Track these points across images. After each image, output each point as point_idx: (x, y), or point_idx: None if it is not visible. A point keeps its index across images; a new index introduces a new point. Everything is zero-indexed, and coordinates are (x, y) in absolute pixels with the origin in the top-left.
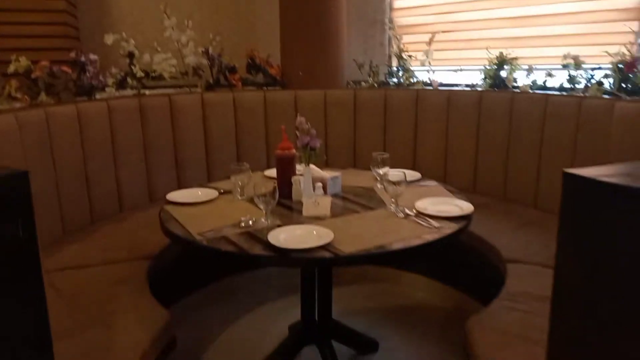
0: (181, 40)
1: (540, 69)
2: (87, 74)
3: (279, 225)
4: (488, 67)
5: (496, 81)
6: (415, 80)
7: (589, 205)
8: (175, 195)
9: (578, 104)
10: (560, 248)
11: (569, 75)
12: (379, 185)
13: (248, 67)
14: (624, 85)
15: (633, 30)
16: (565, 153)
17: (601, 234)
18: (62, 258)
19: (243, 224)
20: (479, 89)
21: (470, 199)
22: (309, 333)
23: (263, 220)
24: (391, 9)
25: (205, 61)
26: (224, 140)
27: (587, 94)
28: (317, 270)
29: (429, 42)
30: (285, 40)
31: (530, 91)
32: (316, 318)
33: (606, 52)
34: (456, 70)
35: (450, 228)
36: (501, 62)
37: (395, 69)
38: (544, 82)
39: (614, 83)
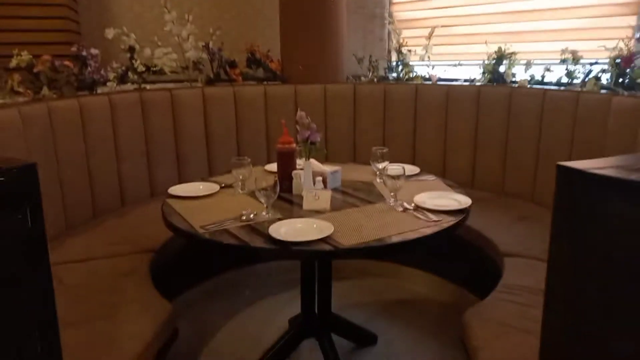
0: (182, 35)
1: (539, 64)
2: (89, 69)
3: (279, 219)
4: (487, 62)
5: (495, 76)
6: (414, 74)
7: (582, 197)
8: (177, 189)
9: (575, 99)
10: (553, 238)
11: (567, 70)
12: (378, 180)
13: (248, 62)
14: (621, 80)
15: (631, 25)
16: (563, 147)
17: (593, 224)
18: (66, 251)
19: (244, 218)
20: (478, 83)
21: (468, 193)
22: (308, 326)
23: (264, 213)
24: (390, 3)
25: (205, 55)
26: (224, 134)
27: (584, 89)
28: (317, 264)
29: (428, 37)
30: (286, 35)
31: (529, 86)
32: (316, 311)
33: (604, 46)
34: (455, 64)
35: (448, 221)
36: (500, 56)
37: (394, 63)
38: (542, 77)
39: (611, 78)
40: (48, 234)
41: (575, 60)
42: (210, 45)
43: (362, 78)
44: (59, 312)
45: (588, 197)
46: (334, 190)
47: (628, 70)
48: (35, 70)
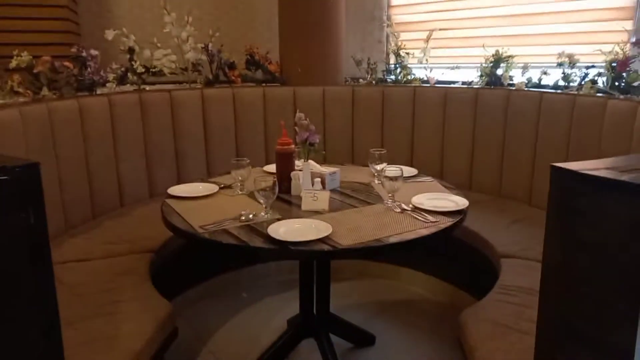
0: (181, 36)
1: (536, 67)
2: (89, 69)
3: (278, 219)
4: (484, 65)
5: (492, 79)
6: (412, 77)
7: (575, 197)
8: (176, 190)
9: (572, 102)
10: (547, 237)
11: (564, 73)
12: (376, 181)
13: (247, 64)
14: (617, 83)
15: (626, 29)
16: (559, 150)
17: (585, 223)
18: (65, 252)
19: (243, 218)
20: (475, 86)
21: (466, 195)
22: (307, 326)
23: (263, 214)
24: (389, 6)
25: (204, 57)
26: (223, 135)
27: (581, 92)
28: (315, 264)
29: (426, 40)
30: (284, 37)
31: (526, 89)
32: (314, 312)
33: (600, 50)
34: (453, 67)
35: (445, 222)
36: (497, 60)
37: (392, 66)
38: (539, 80)
39: (607, 81)
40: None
41: (572, 63)
42: (210, 46)
43: (361, 80)
44: (59, 311)
45: (581, 197)
46: (333, 191)
47: (624, 74)
48: (35, 70)
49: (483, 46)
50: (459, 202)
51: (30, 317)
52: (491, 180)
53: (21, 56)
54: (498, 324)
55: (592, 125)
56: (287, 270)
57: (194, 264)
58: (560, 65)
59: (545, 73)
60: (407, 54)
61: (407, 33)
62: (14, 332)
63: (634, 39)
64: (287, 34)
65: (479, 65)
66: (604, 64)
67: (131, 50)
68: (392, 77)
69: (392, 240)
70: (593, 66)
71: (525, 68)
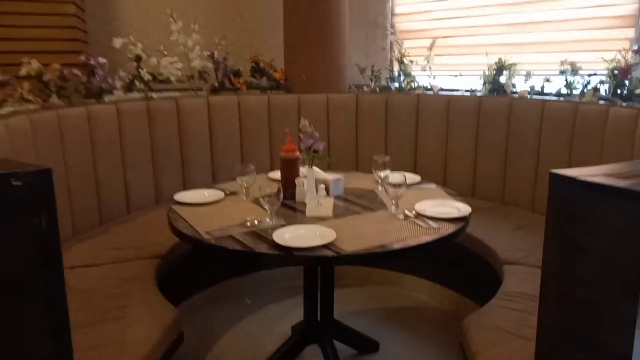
0: (187, 44)
1: (538, 75)
2: (97, 77)
3: (283, 225)
4: (487, 73)
5: (495, 86)
6: (416, 84)
7: (573, 202)
8: (182, 196)
9: (574, 109)
10: (546, 242)
11: (566, 81)
12: (380, 188)
13: (252, 71)
14: (619, 91)
15: (628, 38)
16: (562, 157)
17: (584, 229)
18: (73, 257)
19: (249, 224)
20: (479, 93)
21: (469, 202)
22: (311, 332)
23: (268, 220)
24: (393, 14)
25: (210, 65)
26: (228, 142)
27: (583, 100)
28: (319, 270)
29: (430, 48)
30: (289, 44)
31: (528, 96)
32: (318, 318)
33: (602, 58)
34: (456, 75)
35: (448, 229)
36: (500, 67)
37: (396, 73)
38: (542, 88)
39: (609, 89)
40: None
41: (574, 71)
42: (215, 54)
43: (365, 88)
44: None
45: (579, 203)
46: (337, 197)
47: (626, 81)
48: (44, 78)
49: (486, 54)
50: (461, 208)
51: (41, 320)
52: (494, 187)
53: (31, 64)
54: (500, 330)
55: (595, 133)
56: (292, 277)
57: (200, 270)
58: (562, 72)
59: (548, 81)
60: (411, 61)
61: (410, 41)
62: (25, 335)
63: (635, 47)
64: (291, 41)
65: (482, 73)
66: (606, 72)
67: (138, 58)
68: (396, 84)
69: (396, 246)
70: (595, 74)
71: (528, 76)
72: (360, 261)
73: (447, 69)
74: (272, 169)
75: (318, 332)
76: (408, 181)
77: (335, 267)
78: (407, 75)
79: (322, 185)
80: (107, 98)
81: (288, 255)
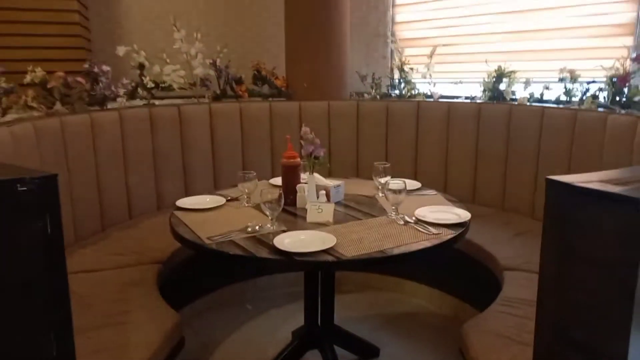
0: (190, 52)
1: (538, 82)
2: (100, 85)
3: (284, 231)
4: (487, 80)
5: (495, 94)
6: (416, 92)
7: (569, 208)
8: (184, 202)
9: (573, 117)
10: (543, 247)
11: (565, 89)
12: (380, 194)
13: (254, 79)
14: (617, 98)
15: (626, 46)
16: (561, 163)
17: (579, 234)
18: (76, 262)
19: (250, 229)
20: (478, 101)
21: (469, 208)
22: (312, 337)
23: (269, 225)
24: (393, 22)
25: (212, 72)
26: (230, 149)
27: (582, 107)
28: (320, 275)
29: (430, 56)
30: (291, 52)
31: (528, 104)
32: (319, 323)
33: (601, 66)
34: (456, 82)
35: (447, 234)
36: (500, 75)
37: (397, 81)
38: (541, 95)
39: (608, 96)
40: None
41: (573, 79)
42: (218, 62)
43: (365, 95)
44: None
45: (574, 208)
46: (337, 203)
47: (624, 89)
48: (48, 86)
49: (486, 62)
50: (461, 214)
51: (45, 322)
52: (494, 193)
53: (35, 72)
54: (500, 336)
55: (594, 140)
56: (293, 283)
57: (201, 276)
58: (562, 80)
59: (547, 88)
60: (411, 69)
61: (411, 49)
62: (30, 337)
63: (634, 55)
64: (293, 49)
65: (481, 80)
66: (605, 80)
67: (141, 66)
68: (397, 91)
69: (395, 251)
70: (594, 81)
71: (527, 83)
72: (361, 266)
73: (447, 76)
74: (274, 175)
75: (318, 337)
76: (408, 187)
77: (335, 273)
78: (408, 82)
79: (323, 192)
80: (110, 105)
81: (289, 260)
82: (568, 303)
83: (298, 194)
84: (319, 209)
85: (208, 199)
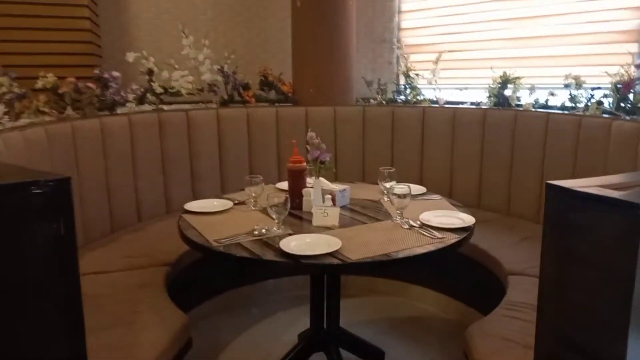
0: (198, 58)
1: (543, 88)
2: (110, 90)
3: (290, 234)
4: (492, 86)
5: (500, 99)
6: (422, 97)
7: (568, 212)
8: (192, 205)
9: (578, 123)
10: (543, 251)
11: (570, 95)
12: (385, 198)
13: (261, 84)
14: (622, 104)
15: (631, 52)
16: (566, 169)
17: (578, 237)
18: (85, 264)
19: (256, 232)
20: (484, 106)
21: (474, 213)
22: (317, 340)
23: (275, 229)
24: (399, 29)
25: (220, 78)
26: (237, 153)
27: (587, 113)
28: (325, 279)
29: (436, 61)
30: (297, 58)
31: (533, 109)
32: (325, 326)
33: (606, 72)
34: (461, 88)
35: (451, 239)
36: (505, 81)
37: (402, 86)
38: (546, 101)
39: (613, 102)
40: None
41: (578, 85)
42: (225, 68)
43: (371, 100)
44: None
45: (574, 213)
46: (343, 207)
47: (629, 95)
48: (60, 91)
49: (491, 68)
50: (465, 219)
51: (58, 321)
52: (500, 199)
53: (47, 77)
54: (503, 339)
55: (598, 146)
56: (299, 286)
57: (208, 278)
58: (567, 86)
59: (552, 94)
60: (417, 75)
61: (416, 55)
62: (42, 335)
63: (638, 62)
64: (300, 55)
65: (487, 86)
66: (609, 86)
67: (150, 72)
68: (402, 97)
69: (399, 255)
70: (599, 88)
71: (532, 89)
72: (365, 269)
73: (453, 82)
74: (280, 179)
75: (324, 339)
76: (413, 192)
77: (341, 277)
78: (413, 88)
79: (329, 196)
80: (119, 110)
81: (295, 262)
82: (568, 306)
83: (304, 198)
84: (324, 212)
85: (215, 203)
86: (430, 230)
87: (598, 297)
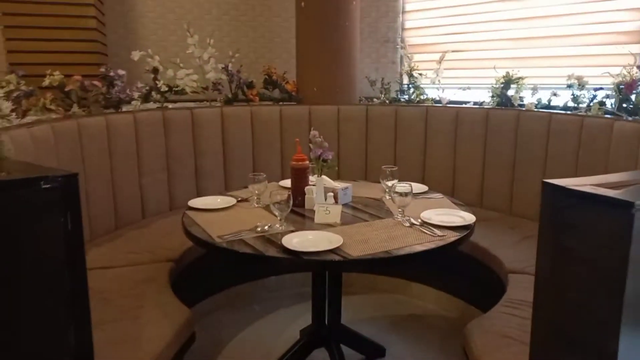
0: (203, 57)
1: (545, 88)
2: (116, 88)
3: (292, 231)
4: (495, 86)
5: (503, 99)
6: (425, 97)
7: (562, 209)
8: (196, 202)
9: (580, 123)
10: (539, 248)
11: (573, 95)
12: (387, 197)
13: (265, 83)
14: (624, 105)
15: (633, 53)
16: (568, 169)
17: (572, 234)
18: (90, 259)
19: (259, 229)
20: (486, 106)
21: (476, 212)
22: (319, 336)
23: (278, 226)
24: (403, 29)
25: (224, 77)
26: (241, 152)
27: (589, 113)
28: (327, 275)
29: (439, 61)
30: (301, 57)
31: (535, 110)
32: (326, 323)
33: (608, 73)
34: (464, 88)
35: (452, 236)
36: (508, 81)
37: (406, 86)
38: (549, 101)
39: (615, 103)
40: None
41: (581, 85)
42: (230, 67)
43: (375, 100)
44: None
45: (568, 210)
46: (345, 205)
47: (631, 96)
48: (66, 89)
49: (494, 68)
50: (466, 217)
51: (65, 313)
52: (502, 198)
53: (53, 75)
54: (502, 336)
55: (600, 146)
56: (301, 283)
57: (212, 275)
58: (569, 87)
59: (555, 94)
60: (420, 74)
61: (420, 54)
62: (50, 326)
63: None
64: (304, 55)
65: (490, 86)
66: (612, 86)
67: (155, 70)
68: (405, 96)
69: (400, 252)
70: (602, 88)
71: (535, 89)
72: (366, 265)
73: (456, 82)
74: (283, 177)
75: (326, 336)
76: (415, 191)
77: (343, 274)
78: (417, 87)
79: (331, 193)
80: (125, 108)
81: (296, 258)
82: (562, 302)
83: (306, 196)
84: (326, 210)
85: (219, 200)
86: (430, 228)
87: (592, 294)
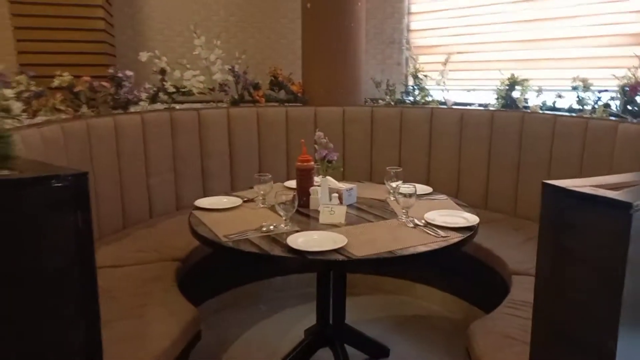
0: (209, 58)
1: (550, 90)
2: (124, 89)
3: (297, 231)
4: (500, 88)
5: (507, 101)
6: (430, 99)
7: (562, 210)
8: (203, 202)
9: (585, 125)
10: (539, 248)
11: (578, 97)
12: (391, 198)
13: (271, 84)
14: (629, 107)
15: (638, 55)
16: (572, 171)
17: (572, 235)
18: (99, 258)
19: (265, 229)
20: (491, 108)
21: (481, 214)
22: (323, 336)
23: (283, 225)
24: (408, 30)
25: (231, 78)
26: (247, 152)
27: (594, 115)
28: (332, 275)
29: (444, 63)
30: (307, 59)
31: (540, 111)
32: (331, 322)
33: (613, 75)
34: (469, 90)
35: (455, 237)
36: (513, 83)
37: (411, 87)
38: (554, 103)
39: (620, 105)
40: None
41: (586, 87)
42: (236, 68)
43: (380, 101)
44: None
45: (569, 211)
46: (350, 206)
47: (636, 98)
48: (75, 90)
49: (499, 70)
50: (469, 218)
51: (75, 308)
52: (506, 199)
53: (63, 76)
54: (505, 336)
55: (605, 148)
56: (306, 284)
57: (218, 274)
58: (574, 89)
59: (559, 96)
60: (425, 76)
61: (425, 56)
62: (60, 322)
63: None
64: (309, 56)
65: (495, 88)
66: (617, 88)
67: (162, 71)
68: (411, 98)
69: (404, 252)
70: (606, 90)
71: (539, 91)
72: (370, 266)
73: (461, 83)
74: (289, 178)
75: (330, 335)
76: (419, 192)
77: (347, 275)
78: (422, 89)
79: (336, 194)
80: (133, 109)
81: (301, 258)
82: (562, 301)
83: (311, 196)
84: (331, 210)
85: (225, 200)
86: (434, 229)
87: (591, 294)
